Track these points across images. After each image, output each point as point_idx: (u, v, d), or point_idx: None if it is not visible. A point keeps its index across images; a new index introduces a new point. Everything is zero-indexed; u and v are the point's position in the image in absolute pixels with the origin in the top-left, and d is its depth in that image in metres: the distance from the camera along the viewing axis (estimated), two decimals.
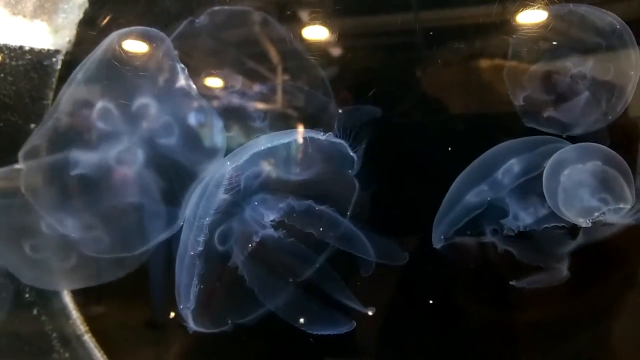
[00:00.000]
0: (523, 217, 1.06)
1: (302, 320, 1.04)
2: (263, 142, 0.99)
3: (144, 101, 1.06)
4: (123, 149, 1.05)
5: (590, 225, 1.01)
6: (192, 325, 1.02)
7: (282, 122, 1.18)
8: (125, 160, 1.05)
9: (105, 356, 1.27)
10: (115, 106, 1.06)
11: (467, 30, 1.14)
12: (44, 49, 1.29)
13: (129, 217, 1.06)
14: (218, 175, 1.00)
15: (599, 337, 1.16)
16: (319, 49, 1.19)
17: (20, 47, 1.26)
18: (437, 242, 1.11)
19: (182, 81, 1.09)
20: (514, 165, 1.06)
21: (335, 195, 1.07)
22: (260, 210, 1.03)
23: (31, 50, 1.28)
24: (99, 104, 1.05)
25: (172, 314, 1.19)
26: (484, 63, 1.13)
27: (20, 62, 1.27)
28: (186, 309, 1.01)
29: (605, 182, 1.00)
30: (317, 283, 1.06)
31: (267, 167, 1.06)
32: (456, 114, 1.18)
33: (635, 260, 1.13)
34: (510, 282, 1.10)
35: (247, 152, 0.97)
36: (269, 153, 1.01)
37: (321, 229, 1.04)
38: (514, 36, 1.08)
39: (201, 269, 0.99)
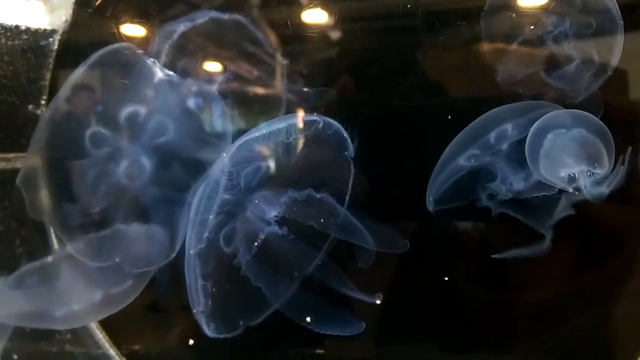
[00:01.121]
0: (512, 182, 1.06)
1: (308, 319, 1.05)
2: (259, 129, 0.98)
3: (130, 109, 1.05)
4: (128, 164, 1.05)
5: (571, 190, 1.02)
6: (207, 331, 1.02)
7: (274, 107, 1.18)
8: (134, 173, 1.05)
9: (107, 337, 1.29)
10: (104, 127, 1.04)
11: (467, 13, 1.13)
12: (40, 29, 1.28)
13: (160, 223, 1.07)
14: (217, 169, 0.99)
15: (598, 318, 1.17)
16: (319, 32, 1.19)
17: (17, 27, 1.25)
18: (429, 205, 1.11)
19: (158, 74, 1.07)
20: (508, 129, 1.06)
21: (333, 182, 1.06)
22: (262, 207, 1.03)
23: (27, 29, 1.26)
24: (88, 132, 1.03)
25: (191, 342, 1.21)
26: (485, 46, 1.12)
27: (16, 42, 1.26)
28: (200, 312, 1.01)
29: (587, 149, 1.00)
30: (319, 278, 1.06)
31: (265, 153, 1.05)
32: (456, 96, 1.18)
33: (636, 242, 1.14)
34: (492, 255, 1.11)
35: (243, 140, 0.96)
36: (266, 141, 1.00)
37: (322, 220, 1.04)
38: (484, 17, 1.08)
39: (208, 270, 0.98)
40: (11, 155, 1.28)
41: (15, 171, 1.26)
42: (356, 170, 1.08)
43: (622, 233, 1.13)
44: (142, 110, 1.05)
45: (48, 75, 1.30)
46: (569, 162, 1.00)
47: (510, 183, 1.06)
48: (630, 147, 1.01)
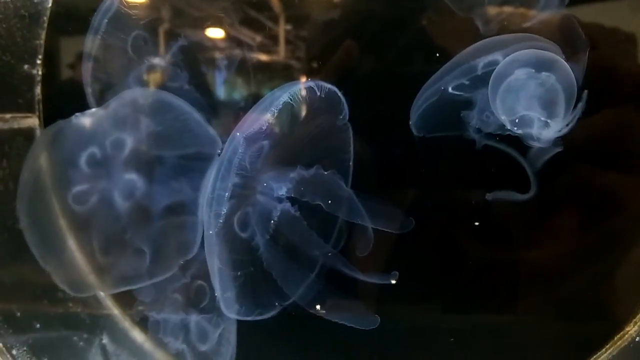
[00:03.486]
0: (490, 115, 1.05)
1: (318, 307, 1.06)
2: (266, 104, 0.97)
3: (85, 156, 1.07)
4: (120, 187, 1.06)
5: (516, 132, 1.02)
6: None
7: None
8: (129, 191, 1.06)
9: (111, 298, 1.30)
10: (84, 184, 1.06)
11: None
12: None
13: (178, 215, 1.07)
14: (230, 149, 0.99)
15: (601, 276, 1.18)
16: None
17: None
18: (412, 128, 1.11)
19: (86, 123, 1.08)
20: (498, 59, 1.04)
21: (335, 150, 1.06)
22: (271, 186, 1.02)
23: None
24: (69, 196, 1.06)
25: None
26: (491, 11, 1.11)
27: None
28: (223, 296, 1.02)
29: (547, 96, 0.99)
30: (326, 264, 1.07)
31: (269, 128, 1.04)
32: None
33: (636, 204, 1.16)
34: (486, 197, 1.12)
35: (257, 119, 0.95)
36: (271, 115, 0.99)
37: (329, 200, 1.03)
38: None
39: (228, 256, 0.99)
40: (8, 115, 1.27)
41: (12, 131, 1.25)
42: (355, 135, 1.08)
43: (625, 191, 1.15)
44: (94, 149, 1.07)
45: (43, 34, 1.28)
46: (524, 102, 1.00)
47: (487, 115, 1.06)
48: (586, 91, 1.00)
